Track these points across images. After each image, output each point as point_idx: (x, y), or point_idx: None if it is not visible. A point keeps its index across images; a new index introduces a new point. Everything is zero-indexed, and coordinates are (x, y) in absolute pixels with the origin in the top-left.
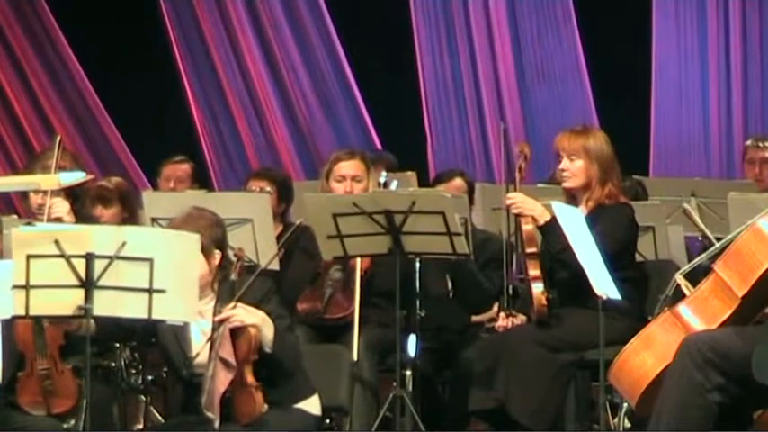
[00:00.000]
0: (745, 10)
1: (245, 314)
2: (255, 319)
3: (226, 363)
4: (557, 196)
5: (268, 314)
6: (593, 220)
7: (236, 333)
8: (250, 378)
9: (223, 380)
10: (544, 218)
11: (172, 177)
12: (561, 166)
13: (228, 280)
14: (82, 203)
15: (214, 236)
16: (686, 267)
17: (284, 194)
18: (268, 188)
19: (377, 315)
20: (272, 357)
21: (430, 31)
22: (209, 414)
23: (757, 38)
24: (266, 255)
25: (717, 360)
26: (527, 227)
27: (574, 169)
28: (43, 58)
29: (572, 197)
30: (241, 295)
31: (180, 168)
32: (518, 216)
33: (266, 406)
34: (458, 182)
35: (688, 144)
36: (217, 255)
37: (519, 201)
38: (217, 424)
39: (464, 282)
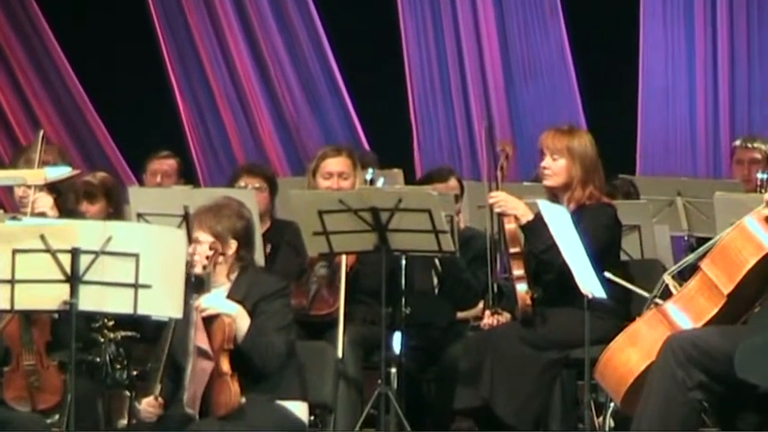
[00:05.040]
0: (733, 10)
1: (218, 303)
2: (230, 309)
3: (202, 352)
4: (541, 195)
5: (268, 312)
6: (575, 220)
7: (211, 322)
8: (226, 367)
9: (205, 369)
10: (526, 217)
11: (158, 172)
12: (543, 164)
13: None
14: (64, 198)
15: (231, 225)
16: (674, 267)
17: (274, 191)
18: (261, 185)
19: (362, 312)
20: (241, 350)
21: (417, 27)
22: (190, 410)
23: (744, 37)
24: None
25: (699, 358)
26: (510, 226)
27: (555, 168)
28: (29, 51)
29: (554, 196)
30: (249, 289)
31: (166, 163)
32: (501, 215)
33: (243, 399)
34: (453, 182)
35: (675, 143)
36: (232, 244)
37: (501, 199)
38: (196, 419)
39: (451, 278)
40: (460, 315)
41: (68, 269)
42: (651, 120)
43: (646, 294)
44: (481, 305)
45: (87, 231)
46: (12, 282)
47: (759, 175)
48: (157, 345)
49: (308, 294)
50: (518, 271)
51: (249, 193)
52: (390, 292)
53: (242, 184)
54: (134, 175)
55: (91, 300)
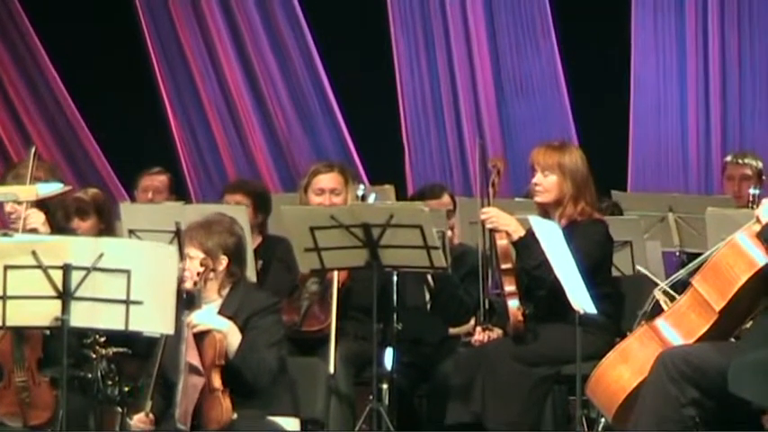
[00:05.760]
0: (724, 26)
1: (209, 319)
2: (221, 325)
3: (193, 368)
4: (533, 211)
5: (259, 328)
6: (567, 236)
7: (202, 338)
8: (217, 383)
9: (196, 385)
10: (518, 233)
11: (150, 188)
12: (534, 181)
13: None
14: (52, 215)
15: (222, 241)
16: (665, 283)
17: (260, 206)
18: (243, 201)
19: (354, 328)
20: (232, 366)
21: (409, 44)
22: (181, 426)
23: (735, 54)
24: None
25: (692, 374)
26: (501, 242)
27: (546, 184)
28: (21, 67)
29: (545, 212)
30: (240, 305)
31: (157, 179)
32: (492, 231)
33: (235, 415)
34: (446, 198)
35: (666, 159)
36: (223, 260)
37: (493, 215)
38: None
39: (445, 294)
40: (452, 331)
41: (60, 285)
42: (642, 136)
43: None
44: (473, 321)
45: (79, 248)
46: (3, 298)
47: (750, 191)
48: (149, 361)
49: (299, 311)
50: (510, 287)
51: (241, 210)
52: (382, 308)
53: (227, 201)
54: (126, 191)
55: (82, 316)
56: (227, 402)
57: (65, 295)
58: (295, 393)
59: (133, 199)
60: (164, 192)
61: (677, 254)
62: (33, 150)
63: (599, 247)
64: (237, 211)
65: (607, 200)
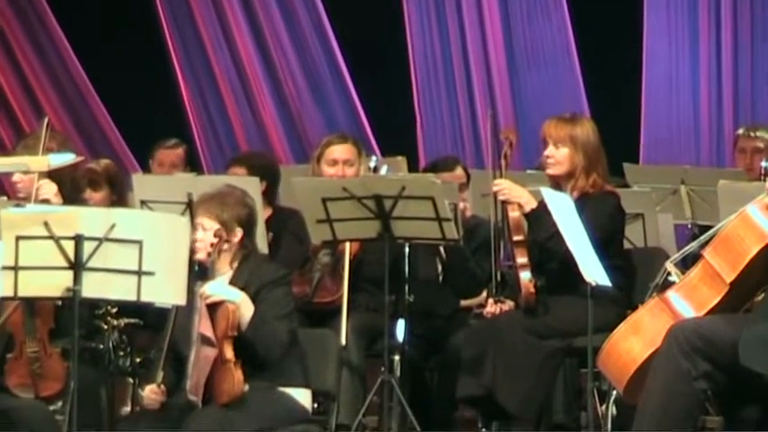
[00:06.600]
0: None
1: (222, 290)
2: (234, 297)
3: (205, 339)
4: (545, 183)
5: (269, 300)
6: (579, 208)
7: (214, 309)
8: (229, 354)
9: (208, 356)
10: (530, 205)
11: (165, 163)
12: (546, 153)
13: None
14: (64, 185)
15: (236, 213)
16: (677, 255)
17: (263, 178)
18: (240, 173)
19: (365, 300)
20: (244, 338)
21: (420, 14)
22: (193, 398)
23: (748, 26)
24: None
25: (704, 347)
26: (513, 214)
27: (558, 157)
28: (32, 37)
29: (557, 185)
30: (250, 277)
31: (173, 154)
32: (504, 203)
33: (246, 386)
34: (459, 171)
35: (678, 132)
36: (238, 232)
37: (505, 187)
38: (199, 406)
39: (455, 266)
40: (464, 303)
41: (72, 256)
42: (655, 108)
43: None
44: (485, 293)
45: (91, 218)
46: (15, 269)
47: (762, 164)
48: (161, 332)
49: (311, 282)
50: (521, 259)
51: (253, 182)
52: (393, 279)
53: (230, 174)
54: (138, 161)
55: (94, 287)
56: (238, 374)
57: (76, 266)
58: (306, 365)
59: (147, 170)
60: (179, 165)
61: (689, 226)
62: (46, 121)
63: (611, 220)
64: (248, 181)
65: (618, 179)
